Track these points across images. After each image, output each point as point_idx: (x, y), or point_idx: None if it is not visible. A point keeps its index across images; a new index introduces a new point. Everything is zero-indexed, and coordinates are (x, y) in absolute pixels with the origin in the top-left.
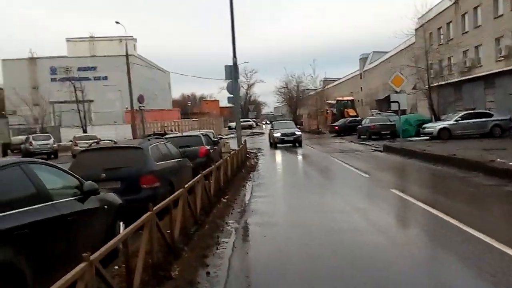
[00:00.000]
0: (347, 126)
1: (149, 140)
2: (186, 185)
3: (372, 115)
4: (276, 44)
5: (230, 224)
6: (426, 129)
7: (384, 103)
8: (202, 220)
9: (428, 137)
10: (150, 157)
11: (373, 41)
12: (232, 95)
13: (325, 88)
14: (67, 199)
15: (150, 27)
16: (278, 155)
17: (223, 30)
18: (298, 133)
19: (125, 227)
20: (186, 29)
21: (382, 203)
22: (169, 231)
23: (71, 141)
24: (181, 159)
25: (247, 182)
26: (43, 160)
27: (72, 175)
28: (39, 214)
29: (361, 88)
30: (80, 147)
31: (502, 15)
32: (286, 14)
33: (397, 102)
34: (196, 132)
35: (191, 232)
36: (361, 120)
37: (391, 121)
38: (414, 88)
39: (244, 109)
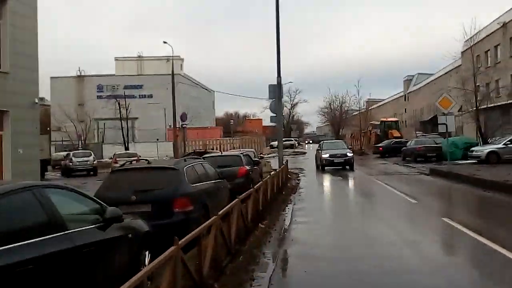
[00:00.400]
0: (391, 148)
1: (185, 160)
2: (220, 212)
3: (417, 136)
4: (321, 64)
5: (267, 255)
6: (474, 153)
7: (428, 125)
8: (237, 249)
9: (475, 161)
10: (185, 179)
11: (418, 63)
12: (275, 115)
13: (369, 109)
14: (85, 227)
15: (196, 47)
16: (320, 176)
17: (268, 49)
18: (350, 154)
19: (154, 256)
20: (232, 48)
21: (434, 235)
22: (197, 262)
23: (111, 158)
24: (218, 180)
25: (287, 206)
26: (61, 184)
27: (94, 200)
28: (48, 246)
29: (405, 109)
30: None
31: None
32: (332, 34)
33: (445, 124)
34: (236, 152)
35: (223, 264)
36: (406, 142)
37: (437, 143)
38: (460, 110)
39: (286, 128)
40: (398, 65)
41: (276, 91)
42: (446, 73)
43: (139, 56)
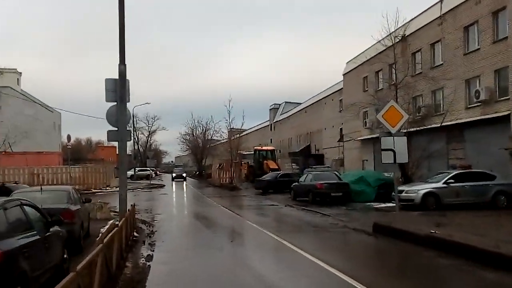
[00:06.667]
0: (277, 182)
1: None
2: None
3: (293, 169)
4: (183, 94)
5: None
6: (404, 194)
7: (299, 157)
8: None
9: (400, 204)
10: None
11: (284, 94)
12: (115, 128)
13: (238, 136)
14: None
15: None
16: (186, 228)
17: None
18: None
19: None
20: (91, 73)
21: None
22: None
23: None
24: None
25: None
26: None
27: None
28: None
29: (271, 140)
30: None
31: (478, 49)
32: (203, 64)
33: (392, 150)
34: None
35: None
36: (291, 175)
37: (340, 178)
38: (340, 140)
39: (143, 157)
40: (274, 97)
41: (117, 88)
42: (318, 100)
43: None
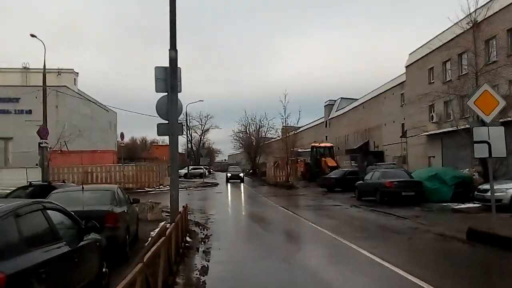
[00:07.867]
0: (346, 180)
1: None
2: None
3: (353, 166)
4: (236, 92)
5: None
6: (488, 193)
7: (359, 154)
8: None
9: (480, 205)
10: None
11: (339, 90)
12: (166, 121)
13: (291, 133)
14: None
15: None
16: (244, 233)
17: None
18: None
19: None
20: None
21: None
22: None
23: None
24: None
25: None
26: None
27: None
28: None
29: (326, 137)
30: None
31: None
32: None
33: (487, 142)
34: None
35: None
36: (359, 172)
37: (411, 176)
38: (404, 135)
39: (196, 155)
40: (328, 93)
41: (168, 76)
42: (377, 95)
43: (24, 68)
